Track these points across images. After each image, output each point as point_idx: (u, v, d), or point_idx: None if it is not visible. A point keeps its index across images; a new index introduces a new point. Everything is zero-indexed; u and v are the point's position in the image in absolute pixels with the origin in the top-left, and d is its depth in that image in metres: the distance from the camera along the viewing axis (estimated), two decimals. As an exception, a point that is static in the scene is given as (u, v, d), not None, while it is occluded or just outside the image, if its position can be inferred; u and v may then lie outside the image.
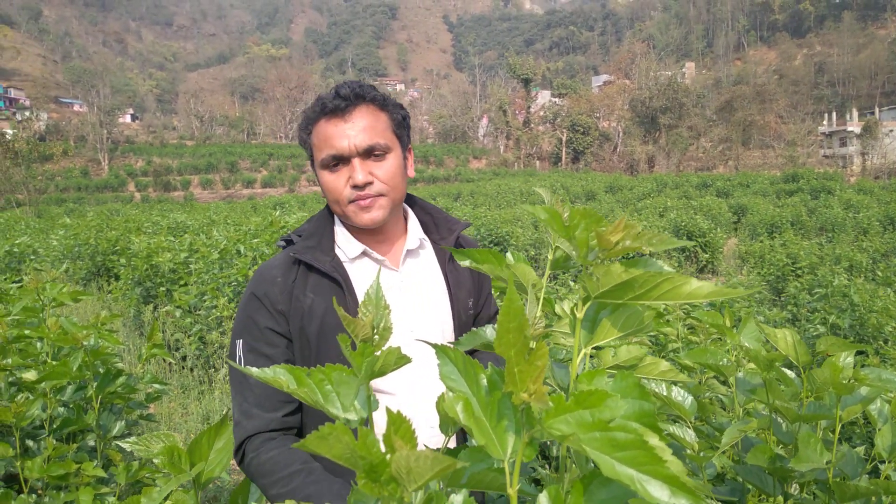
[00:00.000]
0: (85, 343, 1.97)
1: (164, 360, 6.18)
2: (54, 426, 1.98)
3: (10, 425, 1.87)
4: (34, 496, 1.89)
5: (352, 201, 1.46)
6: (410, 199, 1.68)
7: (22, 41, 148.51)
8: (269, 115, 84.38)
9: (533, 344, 0.51)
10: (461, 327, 1.56)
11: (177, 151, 64.70)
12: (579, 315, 0.60)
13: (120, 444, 1.23)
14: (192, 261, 6.73)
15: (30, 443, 2.01)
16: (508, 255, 0.96)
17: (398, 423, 0.45)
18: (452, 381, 0.60)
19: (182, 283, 6.73)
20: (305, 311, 1.45)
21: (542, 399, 0.49)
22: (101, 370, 2.07)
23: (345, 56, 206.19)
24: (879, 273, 9.13)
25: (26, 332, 2.17)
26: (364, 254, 1.53)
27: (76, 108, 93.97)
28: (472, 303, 1.62)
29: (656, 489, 0.49)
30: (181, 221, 14.61)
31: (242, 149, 66.55)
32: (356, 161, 1.44)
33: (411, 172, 1.59)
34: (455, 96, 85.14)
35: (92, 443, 2.07)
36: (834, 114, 69.65)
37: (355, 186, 1.44)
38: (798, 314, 7.27)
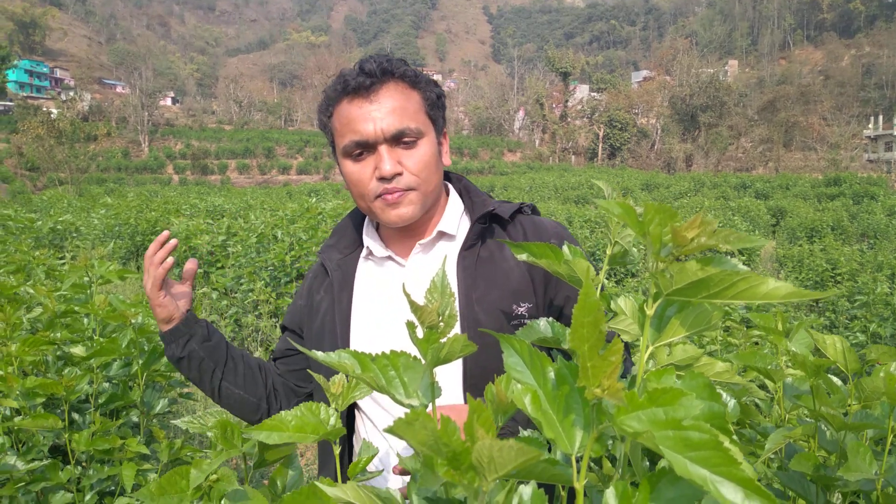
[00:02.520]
0: (133, 321, 2.01)
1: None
2: (100, 401, 2.03)
3: (59, 398, 1.93)
4: (79, 468, 1.94)
5: (378, 196, 1.29)
6: (452, 178, 1.51)
7: (69, 22, 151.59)
8: (307, 102, 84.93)
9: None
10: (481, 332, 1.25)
11: (215, 135, 65.64)
12: (649, 312, 0.60)
13: (176, 422, 1.26)
14: (230, 244, 6.82)
15: (75, 416, 2.06)
16: (565, 248, 0.95)
17: (479, 412, 0.45)
18: (519, 373, 0.60)
19: (219, 265, 6.83)
20: (314, 308, 1.44)
21: (617, 395, 0.49)
22: (147, 348, 2.11)
23: (383, 45, 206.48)
24: (923, 282, 8.89)
25: (75, 308, 2.22)
26: (369, 250, 1.42)
27: (119, 89, 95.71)
28: (528, 308, 1.33)
29: (730, 491, 0.48)
30: (218, 205, 14.81)
31: (279, 135, 67.23)
32: (383, 148, 1.27)
33: (447, 160, 1.40)
34: (492, 88, 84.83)
35: (135, 419, 2.12)
36: (881, 117, 67.88)
37: (382, 178, 1.27)
38: (836, 321, 7.13)
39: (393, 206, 1.29)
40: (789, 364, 1.70)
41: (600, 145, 61.38)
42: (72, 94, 69.67)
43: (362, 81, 1.26)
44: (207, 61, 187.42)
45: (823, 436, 1.48)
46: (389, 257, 1.40)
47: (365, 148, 1.28)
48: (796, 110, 56.30)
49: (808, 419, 1.78)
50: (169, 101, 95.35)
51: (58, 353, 2.21)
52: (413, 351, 0.65)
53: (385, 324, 1.37)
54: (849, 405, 1.41)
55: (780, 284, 0.55)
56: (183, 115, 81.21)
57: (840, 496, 1.46)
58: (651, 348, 0.62)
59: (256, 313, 5.52)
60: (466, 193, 1.46)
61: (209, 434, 1.29)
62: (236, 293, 5.94)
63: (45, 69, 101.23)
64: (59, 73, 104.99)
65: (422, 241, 1.38)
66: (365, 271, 1.43)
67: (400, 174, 1.28)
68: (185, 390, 2.60)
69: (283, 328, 1.54)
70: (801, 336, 1.66)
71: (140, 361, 2.05)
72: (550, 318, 0.96)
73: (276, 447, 1.27)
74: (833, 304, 7.45)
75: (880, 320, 5.82)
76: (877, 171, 50.30)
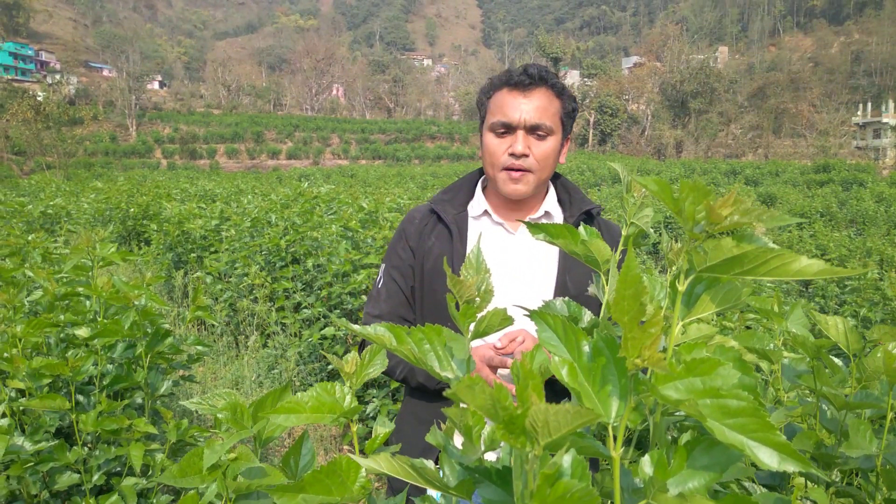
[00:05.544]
0: (136, 302, 2.01)
1: (194, 326, 6.28)
2: (105, 382, 2.03)
3: (64, 380, 1.93)
4: (85, 449, 1.95)
5: (505, 168, 1.61)
6: (555, 176, 1.80)
7: (54, 4, 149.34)
8: (296, 87, 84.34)
9: (649, 310, 0.52)
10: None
11: (203, 120, 65.14)
12: (681, 288, 0.61)
13: (185, 403, 1.27)
14: (224, 228, 6.79)
15: (80, 398, 2.07)
16: (581, 230, 0.96)
17: (531, 378, 0.47)
18: (553, 347, 0.61)
19: (213, 250, 6.81)
20: (426, 250, 1.68)
21: (660, 364, 0.50)
22: (150, 330, 2.12)
23: (373, 29, 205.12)
24: (911, 268, 8.98)
25: (79, 289, 2.22)
26: (485, 213, 1.71)
27: (105, 73, 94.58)
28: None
29: (766, 455, 0.50)
30: (209, 189, 14.72)
31: (268, 119, 66.77)
32: (520, 133, 1.60)
33: (563, 159, 1.73)
34: (482, 73, 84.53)
35: (140, 400, 2.12)
36: (869, 104, 68.07)
37: (513, 154, 1.59)
38: (826, 306, 7.19)
39: (514, 181, 1.62)
40: (786, 345, 1.73)
41: (591, 131, 61.33)
42: (58, 77, 68.86)
43: (523, 80, 1.61)
44: (195, 45, 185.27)
45: (824, 415, 1.50)
46: (500, 224, 1.70)
47: (507, 129, 1.61)
48: (786, 97, 56.47)
49: (807, 399, 1.80)
50: (156, 85, 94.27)
51: (61, 335, 2.21)
52: (511, 310, 0.71)
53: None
54: (852, 385, 1.44)
55: (812, 261, 0.57)
56: (171, 99, 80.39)
57: (839, 474, 1.49)
58: (681, 324, 0.64)
59: (252, 297, 5.52)
60: (564, 189, 1.78)
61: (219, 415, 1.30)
62: (231, 277, 5.93)
63: (30, 52, 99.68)
64: (44, 56, 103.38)
65: (532, 216, 1.70)
66: (476, 229, 1.69)
67: (527, 156, 1.60)
68: (188, 372, 2.60)
69: (388, 271, 1.73)
70: (797, 317, 1.68)
71: (144, 343, 2.05)
72: (567, 298, 0.99)
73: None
74: (823, 289, 7.51)
75: (871, 305, 5.88)
76: (865, 157, 50.55)
